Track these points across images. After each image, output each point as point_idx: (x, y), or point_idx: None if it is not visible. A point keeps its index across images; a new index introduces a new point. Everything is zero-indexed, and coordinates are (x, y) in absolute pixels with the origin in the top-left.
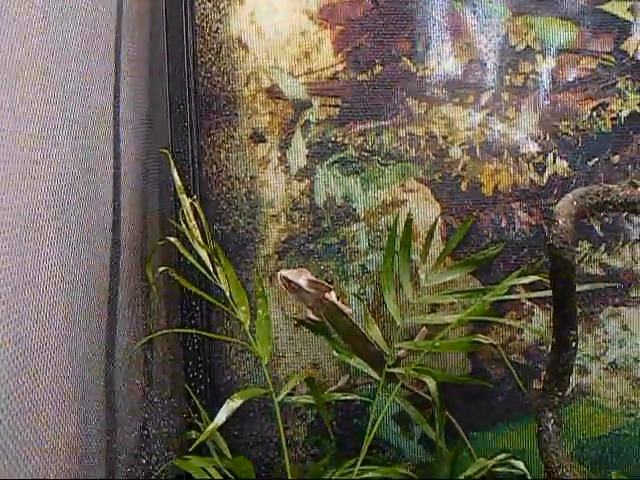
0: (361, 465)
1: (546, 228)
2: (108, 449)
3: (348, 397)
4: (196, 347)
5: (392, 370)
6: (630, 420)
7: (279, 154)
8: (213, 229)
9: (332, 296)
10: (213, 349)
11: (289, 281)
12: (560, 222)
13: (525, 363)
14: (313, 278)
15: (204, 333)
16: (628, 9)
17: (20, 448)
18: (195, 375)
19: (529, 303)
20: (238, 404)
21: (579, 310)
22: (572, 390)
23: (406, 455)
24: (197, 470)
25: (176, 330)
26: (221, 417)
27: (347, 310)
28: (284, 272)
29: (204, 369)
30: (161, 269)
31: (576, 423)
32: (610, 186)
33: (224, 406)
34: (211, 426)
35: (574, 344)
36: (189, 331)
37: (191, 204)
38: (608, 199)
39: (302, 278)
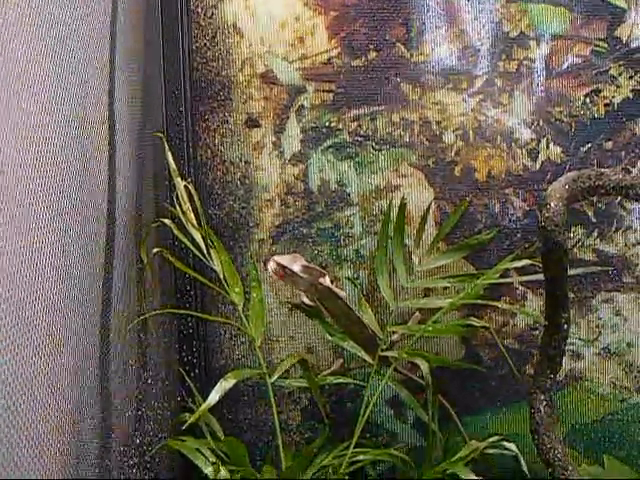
0: (354, 448)
1: (538, 211)
2: (102, 427)
3: (342, 380)
4: (190, 331)
5: (385, 353)
6: (622, 405)
7: (273, 139)
8: (207, 214)
9: (326, 280)
10: (207, 333)
11: (283, 267)
12: (552, 205)
13: (518, 348)
14: (307, 264)
15: (198, 314)
16: None
17: (13, 422)
18: (189, 359)
19: (522, 288)
20: (231, 384)
21: (572, 295)
22: (565, 375)
23: (400, 439)
24: (191, 451)
25: (170, 310)
26: (214, 397)
27: (342, 294)
28: (277, 258)
29: (198, 353)
30: (155, 250)
31: (569, 408)
32: (602, 170)
33: (217, 386)
34: (204, 405)
35: (566, 326)
36: (183, 312)
37: (185, 187)
38: (600, 183)
39: (296, 264)
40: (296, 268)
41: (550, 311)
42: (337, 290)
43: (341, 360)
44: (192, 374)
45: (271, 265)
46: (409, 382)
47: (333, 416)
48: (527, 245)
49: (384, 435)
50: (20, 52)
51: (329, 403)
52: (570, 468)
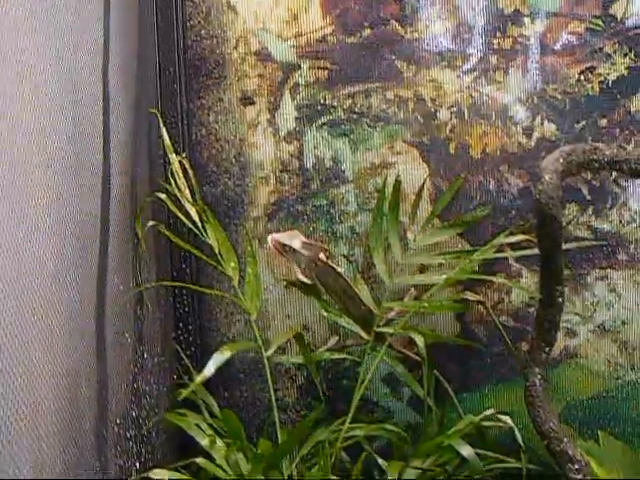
0: (350, 424)
1: (533, 185)
2: (98, 397)
3: (338, 356)
4: (186, 309)
5: (381, 329)
6: (617, 382)
7: (268, 116)
8: (202, 191)
9: (322, 256)
10: (203, 311)
11: (282, 244)
12: (546, 178)
13: (514, 325)
14: (306, 240)
15: (194, 287)
16: None
17: (10, 397)
18: (185, 337)
19: (517, 265)
20: (227, 356)
21: (567, 272)
22: (560, 352)
23: (395, 416)
24: (187, 424)
25: (165, 283)
26: (210, 369)
27: (340, 270)
28: (276, 235)
29: (194, 331)
30: (150, 223)
31: (564, 385)
32: (596, 145)
33: (212, 358)
34: (200, 377)
35: (560, 300)
36: (178, 284)
37: (180, 163)
38: (594, 157)
39: (295, 240)
40: (296, 245)
41: (545, 285)
42: (335, 266)
43: (336, 337)
44: (188, 352)
45: (270, 243)
46: (405, 361)
47: (329, 393)
48: (522, 222)
49: (380, 412)
50: (12, 26)
51: (325, 381)
52: (565, 440)
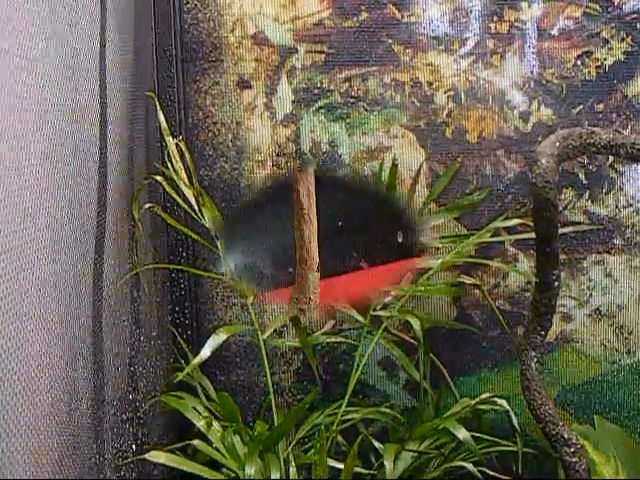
0: (346, 407)
1: (529, 169)
2: (95, 381)
3: (333, 339)
4: (182, 293)
5: (377, 313)
6: (613, 367)
7: (265, 100)
8: (199, 175)
9: None
10: (199, 294)
11: None
12: (543, 161)
13: (509, 309)
14: None
15: (191, 270)
16: None
17: (5, 379)
18: (181, 321)
19: (513, 250)
20: (223, 339)
21: (563, 257)
22: (556, 337)
23: (391, 400)
24: (184, 406)
25: (162, 265)
26: (206, 351)
27: None
28: None
29: (190, 314)
30: (147, 206)
31: (560, 369)
32: (593, 129)
33: (209, 340)
34: (196, 359)
35: (556, 284)
36: (175, 266)
37: (176, 145)
38: (591, 141)
39: None
40: None
41: (541, 269)
42: None
43: (333, 321)
44: (184, 335)
45: None
46: (401, 345)
47: (325, 377)
48: (518, 206)
49: (376, 396)
50: (8, 8)
51: (321, 365)
52: (561, 424)
